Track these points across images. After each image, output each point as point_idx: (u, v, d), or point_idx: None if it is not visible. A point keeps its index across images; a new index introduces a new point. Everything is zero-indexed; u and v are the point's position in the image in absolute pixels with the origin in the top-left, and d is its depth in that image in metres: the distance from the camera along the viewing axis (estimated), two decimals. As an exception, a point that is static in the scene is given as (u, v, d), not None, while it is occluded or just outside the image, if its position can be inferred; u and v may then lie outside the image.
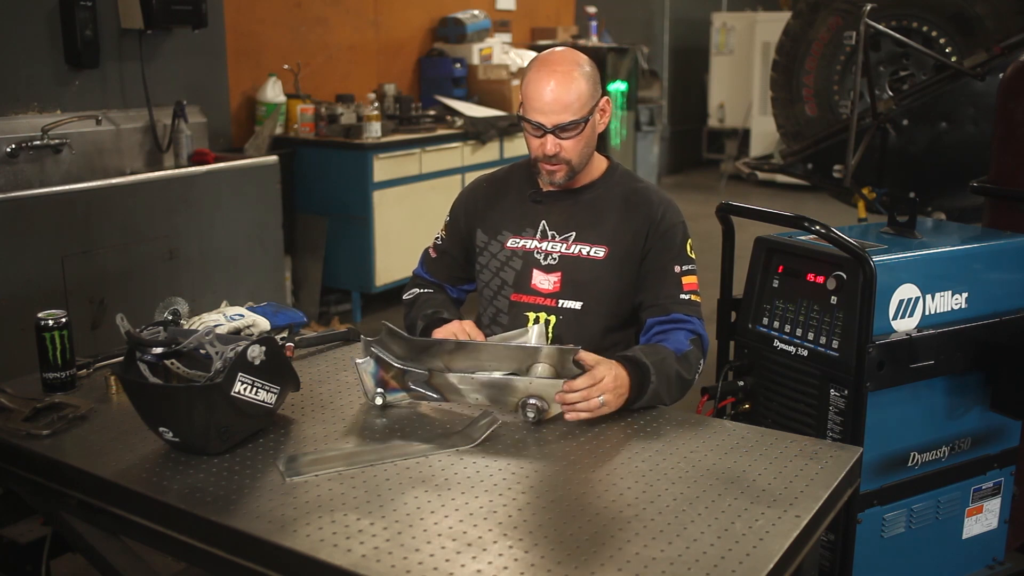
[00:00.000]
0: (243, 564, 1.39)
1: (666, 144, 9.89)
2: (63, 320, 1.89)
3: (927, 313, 2.18)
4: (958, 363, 2.22)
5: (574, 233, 2.09)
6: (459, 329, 2.01)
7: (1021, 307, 2.32)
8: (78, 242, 3.46)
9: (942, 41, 3.85)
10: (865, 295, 2.05)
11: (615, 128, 7.72)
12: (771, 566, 1.28)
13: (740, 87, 9.75)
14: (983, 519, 2.40)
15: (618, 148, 7.71)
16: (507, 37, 6.95)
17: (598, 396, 1.74)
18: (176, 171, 4.04)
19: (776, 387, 2.27)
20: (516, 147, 5.81)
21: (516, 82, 6.08)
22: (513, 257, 2.12)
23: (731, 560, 1.29)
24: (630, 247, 2.07)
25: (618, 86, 7.72)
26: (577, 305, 2.06)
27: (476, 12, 6.51)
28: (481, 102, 6.07)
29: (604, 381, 1.75)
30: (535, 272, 2.09)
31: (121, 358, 1.77)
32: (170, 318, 1.84)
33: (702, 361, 2.00)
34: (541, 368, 1.80)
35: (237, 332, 1.92)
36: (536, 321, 2.07)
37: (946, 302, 2.21)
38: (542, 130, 1.98)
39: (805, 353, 2.19)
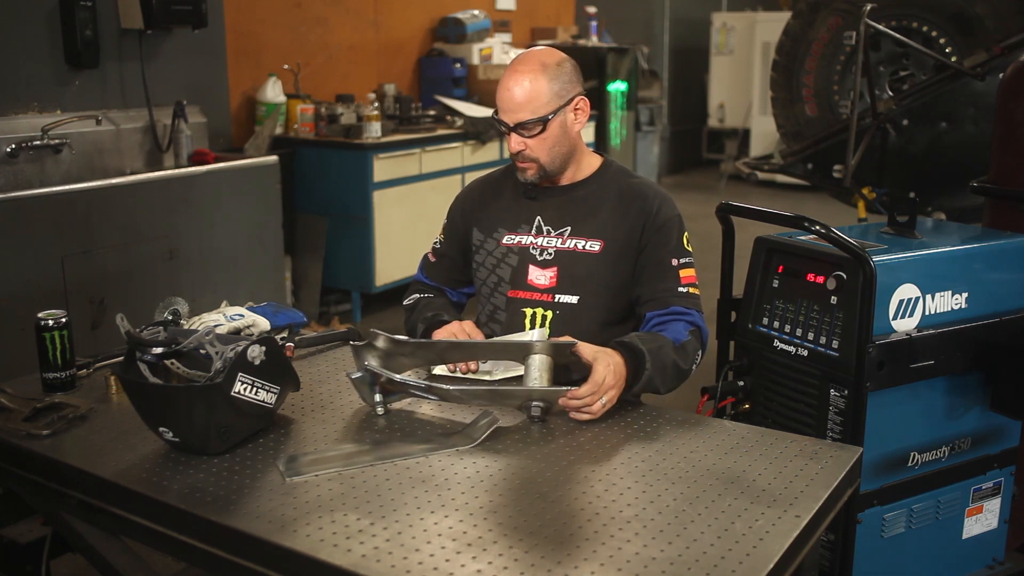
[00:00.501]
0: (243, 564, 1.39)
1: (666, 144, 9.89)
2: (63, 320, 1.89)
3: (927, 313, 2.18)
4: (958, 363, 2.22)
5: (569, 228, 2.10)
6: (458, 329, 2.02)
7: (1021, 307, 2.32)
8: (78, 242, 3.46)
9: (942, 41, 3.85)
10: (865, 295, 2.05)
11: (615, 128, 7.72)
12: (771, 566, 1.28)
13: (740, 87, 9.76)
14: (983, 519, 2.40)
15: (618, 148, 7.71)
16: (507, 37, 6.95)
17: (601, 399, 1.76)
18: (176, 171, 4.04)
19: (776, 387, 2.27)
20: (516, 147, 5.81)
21: (516, 82, 6.07)
22: (509, 253, 2.13)
23: (731, 560, 1.29)
24: (626, 241, 2.08)
25: (618, 86, 7.72)
26: (574, 299, 2.07)
27: (476, 12, 6.51)
28: (481, 102, 6.07)
29: (606, 381, 1.76)
30: (531, 268, 2.10)
31: (121, 358, 1.77)
32: (170, 318, 1.84)
33: (700, 352, 2.00)
34: (539, 360, 1.80)
35: (237, 332, 1.92)
36: (533, 320, 2.07)
37: (946, 302, 2.21)
38: (506, 128, 2.03)
39: (805, 353, 2.19)
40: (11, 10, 3.77)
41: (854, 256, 2.06)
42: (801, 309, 2.21)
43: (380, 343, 1.84)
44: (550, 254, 2.09)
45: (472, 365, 1.97)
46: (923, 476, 2.26)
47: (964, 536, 2.38)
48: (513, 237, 2.13)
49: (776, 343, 2.25)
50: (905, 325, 2.15)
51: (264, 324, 2.00)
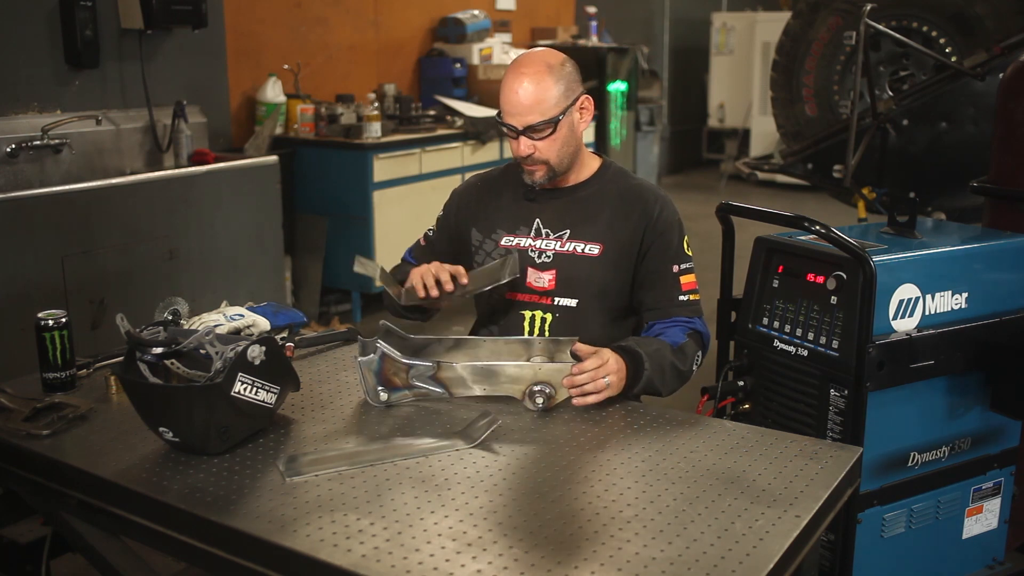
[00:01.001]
0: (243, 564, 1.39)
1: (666, 144, 9.89)
2: (63, 320, 1.89)
3: (927, 313, 2.18)
4: (958, 363, 2.22)
5: (568, 231, 2.10)
6: (436, 266, 2.00)
7: (1021, 307, 2.32)
8: (78, 242, 3.46)
9: (942, 41, 3.85)
10: (865, 295, 2.05)
11: (615, 128, 7.72)
12: (771, 566, 1.28)
13: (740, 87, 9.75)
14: (983, 519, 2.40)
15: (618, 148, 7.71)
16: (507, 37, 6.95)
17: (604, 377, 1.79)
18: (176, 171, 4.04)
19: (776, 387, 2.27)
20: (516, 147, 5.81)
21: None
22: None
23: (731, 560, 1.29)
24: (626, 244, 2.08)
25: (618, 86, 7.72)
26: (572, 302, 2.07)
27: (476, 12, 6.51)
28: (481, 102, 6.07)
29: (610, 362, 1.80)
30: (530, 270, 2.10)
31: (121, 358, 1.77)
32: (170, 318, 1.84)
33: (700, 354, 2.02)
34: (540, 359, 1.82)
35: (237, 332, 1.92)
36: (532, 323, 2.08)
37: (946, 302, 2.21)
38: (515, 132, 2.01)
39: (805, 353, 2.19)
40: (11, 10, 3.77)
41: (854, 256, 2.06)
42: (801, 309, 2.21)
43: (388, 338, 1.84)
44: (549, 256, 2.09)
45: (447, 287, 1.95)
46: (923, 476, 2.26)
47: (964, 536, 2.38)
48: (512, 239, 2.13)
49: (776, 343, 2.25)
50: (905, 325, 2.15)
51: (264, 324, 2.00)
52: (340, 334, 2.26)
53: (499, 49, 6.49)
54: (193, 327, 1.84)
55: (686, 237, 2.11)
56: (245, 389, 1.61)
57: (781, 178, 8.09)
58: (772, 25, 8.36)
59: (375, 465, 1.57)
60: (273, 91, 5.04)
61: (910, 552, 2.28)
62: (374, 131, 5.00)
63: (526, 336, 2.03)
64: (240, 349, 1.61)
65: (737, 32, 9.84)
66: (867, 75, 3.74)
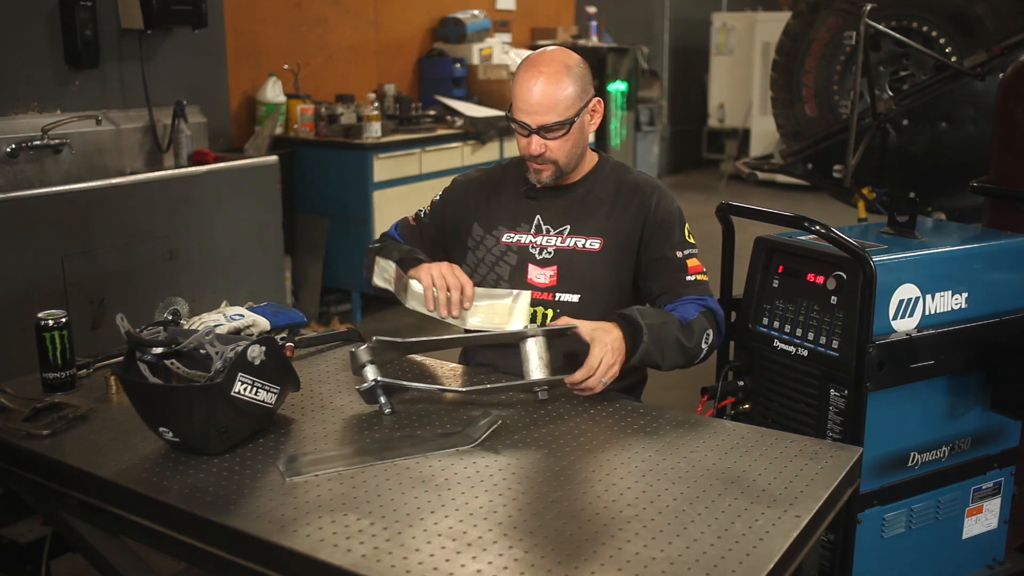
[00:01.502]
0: (243, 564, 1.39)
1: (666, 144, 9.89)
2: (63, 320, 1.89)
3: (927, 313, 2.18)
4: (958, 363, 2.22)
5: (569, 226, 2.11)
6: (448, 271, 1.99)
7: (1021, 307, 2.32)
8: (78, 242, 3.46)
9: (942, 41, 3.85)
10: (865, 295, 2.05)
11: (615, 128, 7.73)
12: (771, 566, 1.28)
13: (740, 87, 9.75)
14: (983, 519, 2.40)
15: (618, 148, 7.71)
16: (507, 37, 6.95)
17: (600, 381, 1.80)
18: (176, 171, 4.04)
19: (776, 387, 2.27)
20: (516, 147, 5.82)
21: (516, 82, 6.08)
22: (508, 252, 2.13)
23: (731, 560, 1.29)
24: (626, 237, 2.09)
25: (618, 86, 7.72)
26: (574, 298, 2.08)
27: (476, 12, 6.51)
28: (481, 102, 6.07)
29: (601, 364, 1.79)
30: (531, 267, 2.11)
31: (121, 358, 1.77)
32: (170, 318, 1.84)
33: (711, 333, 1.99)
34: (533, 344, 1.83)
35: (237, 332, 1.92)
36: (533, 319, 2.07)
37: (946, 302, 2.21)
38: (527, 130, 2.00)
39: (805, 353, 2.19)
40: (11, 10, 3.77)
41: (854, 256, 2.06)
42: (801, 309, 2.21)
43: (376, 347, 1.83)
44: (550, 253, 2.10)
45: (455, 311, 1.98)
46: (923, 476, 2.26)
47: (964, 536, 2.38)
48: (512, 236, 2.13)
49: (776, 343, 2.25)
50: (905, 325, 2.15)
51: (264, 324, 2.00)
52: (340, 334, 2.26)
53: (499, 49, 6.49)
54: (193, 327, 1.84)
55: (687, 225, 2.12)
56: (245, 389, 1.61)
57: (781, 178, 8.09)
58: (772, 25, 8.35)
59: (375, 465, 1.57)
60: (273, 91, 5.04)
61: (910, 552, 2.28)
62: (374, 131, 5.00)
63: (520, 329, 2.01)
64: (240, 349, 1.61)
65: (737, 32, 9.83)
66: (867, 75, 3.73)
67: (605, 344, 1.80)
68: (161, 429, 1.61)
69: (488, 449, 1.64)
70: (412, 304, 2.03)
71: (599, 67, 7.50)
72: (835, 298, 2.13)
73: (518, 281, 2.11)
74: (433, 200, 2.27)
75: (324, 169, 5.05)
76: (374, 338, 1.85)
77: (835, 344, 2.12)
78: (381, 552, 1.31)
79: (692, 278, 2.05)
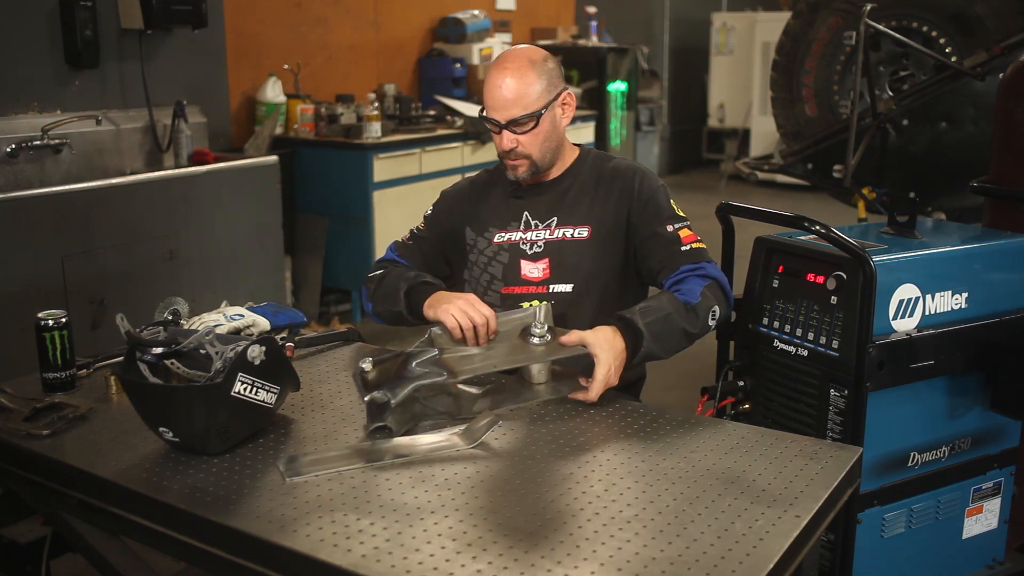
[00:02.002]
0: (243, 564, 1.39)
1: (666, 144, 9.89)
2: (63, 320, 1.89)
3: (927, 313, 2.18)
4: (958, 363, 2.22)
5: (556, 218, 2.13)
6: (468, 307, 1.89)
7: (1021, 307, 2.32)
8: (78, 242, 3.46)
9: (942, 41, 3.85)
10: (865, 295, 2.05)
11: (615, 128, 7.72)
12: (771, 566, 1.28)
13: (740, 87, 9.75)
14: (983, 519, 2.40)
15: (618, 148, 7.71)
16: (507, 37, 6.95)
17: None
18: (176, 171, 4.04)
19: (776, 387, 2.27)
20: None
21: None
22: (500, 251, 2.15)
23: (731, 560, 1.29)
24: (613, 223, 2.11)
25: (618, 86, 7.72)
26: (568, 288, 2.09)
27: (476, 12, 6.51)
28: (481, 102, 6.07)
29: (608, 381, 1.81)
30: (523, 262, 2.13)
31: (121, 358, 1.77)
32: (170, 318, 1.84)
33: (716, 309, 1.98)
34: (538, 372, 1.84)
35: (237, 332, 1.92)
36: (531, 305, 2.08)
37: (946, 302, 2.21)
38: (498, 126, 2.04)
39: (805, 353, 2.19)
40: (11, 10, 3.77)
41: (854, 256, 2.06)
42: (801, 309, 2.21)
43: (369, 367, 1.82)
44: (540, 246, 2.12)
45: (483, 343, 1.90)
46: (923, 476, 2.26)
47: (964, 536, 2.38)
48: (503, 235, 2.16)
49: (776, 343, 2.25)
50: (905, 325, 2.15)
51: (264, 324, 2.00)
52: (340, 334, 2.26)
53: (499, 49, 6.49)
54: (193, 327, 1.84)
55: (672, 200, 2.13)
56: (245, 389, 1.61)
57: (781, 178, 8.09)
58: (772, 25, 8.35)
59: (375, 465, 1.57)
60: (273, 91, 5.04)
61: (910, 552, 2.28)
62: (374, 131, 5.00)
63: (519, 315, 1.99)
64: (240, 349, 1.61)
65: (737, 32, 9.83)
66: (867, 75, 3.73)
67: (608, 365, 1.81)
68: (161, 429, 1.61)
69: (488, 449, 1.64)
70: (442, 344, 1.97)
71: (599, 67, 7.50)
72: (835, 298, 2.13)
73: (512, 278, 2.13)
74: (425, 215, 2.28)
75: (324, 169, 5.05)
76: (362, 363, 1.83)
77: (835, 344, 2.12)
78: (381, 552, 1.31)
79: (687, 247, 2.05)
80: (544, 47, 7.58)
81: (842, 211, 4.68)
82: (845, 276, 2.10)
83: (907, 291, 2.14)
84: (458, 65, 6.22)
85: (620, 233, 2.11)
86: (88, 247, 3.49)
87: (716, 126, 10.20)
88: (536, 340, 1.83)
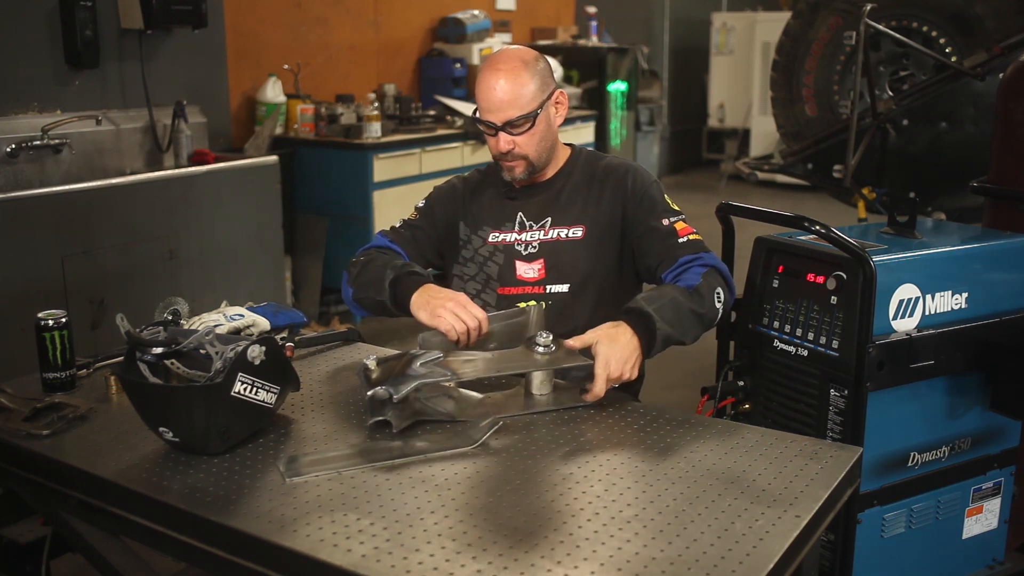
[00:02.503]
0: (243, 564, 1.39)
1: (666, 144, 9.89)
2: (63, 320, 1.89)
3: (927, 313, 2.18)
4: (958, 363, 2.22)
5: (550, 219, 2.14)
6: (460, 309, 1.89)
7: (1021, 307, 2.32)
8: (78, 242, 3.46)
9: (942, 41, 3.85)
10: (865, 295, 2.05)
11: (615, 128, 7.72)
12: (771, 566, 1.28)
13: (740, 87, 9.75)
14: (983, 519, 2.40)
15: (618, 148, 7.71)
16: (507, 37, 6.95)
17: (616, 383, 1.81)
18: (176, 171, 4.04)
19: (776, 387, 2.27)
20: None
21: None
22: (495, 252, 2.15)
23: (731, 560, 1.29)
24: (608, 221, 2.11)
25: (618, 86, 7.72)
26: (564, 288, 2.10)
27: (476, 12, 6.51)
28: (480, 103, 6.06)
29: (610, 376, 1.78)
30: (518, 263, 2.13)
31: (121, 358, 1.77)
32: (170, 318, 1.84)
33: (720, 290, 1.97)
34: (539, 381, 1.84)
35: (237, 332, 1.92)
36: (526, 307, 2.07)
37: (946, 302, 2.21)
38: (494, 128, 2.03)
39: (805, 353, 2.19)
40: (11, 10, 3.77)
41: (854, 256, 2.06)
42: (801, 309, 2.21)
43: (373, 364, 1.82)
44: (535, 247, 2.12)
45: (474, 342, 1.91)
46: (923, 476, 2.26)
47: (964, 536, 2.38)
48: (498, 235, 2.16)
49: (776, 343, 2.25)
50: (905, 325, 2.15)
51: (264, 324, 2.00)
52: (340, 334, 2.26)
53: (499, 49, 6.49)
54: (193, 327, 1.84)
55: (666, 195, 2.13)
56: (245, 389, 1.61)
57: (781, 178, 8.09)
58: (772, 25, 8.36)
59: (375, 465, 1.57)
60: (273, 91, 5.04)
61: (910, 552, 2.28)
62: (374, 131, 5.00)
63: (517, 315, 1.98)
64: (240, 349, 1.61)
65: (737, 32, 9.84)
66: (867, 75, 3.73)
67: (607, 359, 1.79)
68: (161, 429, 1.61)
69: (489, 449, 1.64)
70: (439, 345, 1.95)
71: (599, 67, 7.50)
72: (835, 298, 2.13)
73: (507, 278, 2.13)
74: (417, 206, 2.26)
75: (324, 169, 5.05)
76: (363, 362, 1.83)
77: (835, 344, 2.12)
78: (381, 552, 1.31)
79: (684, 239, 2.04)
80: (544, 47, 7.57)
81: (842, 211, 4.68)
82: (845, 276, 2.10)
83: (907, 291, 2.14)
84: (458, 65, 6.22)
85: (615, 231, 2.11)
86: (88, 247, 3.49)
87: (716, 126, 10.20)
88: (541, 350, 1.82)
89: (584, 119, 6.80)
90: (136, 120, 4.24)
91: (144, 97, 4.23)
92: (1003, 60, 3.58)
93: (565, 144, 2.21)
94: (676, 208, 2.11)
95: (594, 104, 7.30)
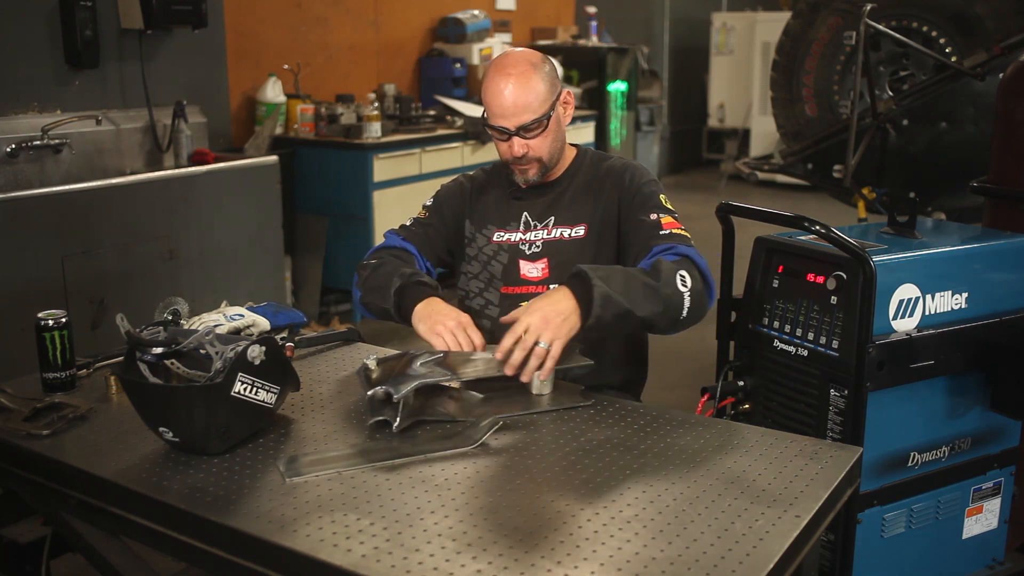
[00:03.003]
0: (243, 564, 1.39)
1: (666, 144, 9.89)
2: (63, 320, 1.89)
3: (927, 313, 2.18)
4: (958, 363, 2.22)
5: (553, 218, 2.14)
6: (458, 329, 1.90)
7: (1021, 307, 2.32)
8: (78, 242, 3.46)
9: (942, 41, 3.85)
10: (865, 295, 2.05)
11: (615, 128, 7.72)
12: (771, 566, 1.28)
13: (740, 87, 9.75)
14: (983, 519, 2.40)
15: (618, 148, 7.71)
16: (507, 37, 6.95)
17: (533, 342, 1.73)
18: (176, 171, 4.04)
19: (776, 387, 2.27)
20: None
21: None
22: (500, 251, 2.16)
23: (731, 560, 1.29)
24: (607, 220, 2.12)
25: (618, 86, 7.71)
26: None
27: (476, 12, 6.51)
28: (481, 102, 6.07)
29: (531, 327, 1.73)
30: (522, 263, 2.14)
31: (121, 358, 1.77)
32: (170, 318, 1.84)
33: (684, 273, 1.86)
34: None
35: (237, 332, 1.92)
36: None
37: (946, 302, 2.21)
38: (507, 133, 2.03)
39: (805, 353, 2.19)
40: (11, 10, 3.77)
41: (854, 256, 2.06)
42: (801, 309, 2.21)
43: (373, 364, 1.82)
44: (538, 247, 2.13)
45: (478, 344, 1.89)
46: (923, 476, 2.26)
47: (964, 536, 2.38)
48: (503, 234, 2.16)
49: (776, 343, 2.25)
50: (905, 325, 2.15)
51: (264, 324, 2.00)
52: (340, 334, 2.26)
53: (499, 49, 6.49)
54: (193, 327, 1.84)
55: (662, 195, 2.10)
56: (245, 389, 1.61)
57: (781, 178, 8.09)
58: (772, 25, 8.36)
59: (375, 465, 1.57)
60: (273, 91, 5.04)
61: (910, 552, 2.28)
62: (374, 131, 5.00)
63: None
64: (240, 349, 1.61)
65: (737, 32, 9.84)
66: (867, 75, 3.73)
67: (528, 310, 1.74)
68: (161, 429, 1.61)
69: (488, 449, 1.64)
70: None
71: (599, 67, 7.50)
72: (835, 298, 2.13)
73: (511, 278, 2.14)
74: (426, 205, 2.26)
75: (324, 169, 5.05)
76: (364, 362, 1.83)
77: (835, 344, 2.12)
78: (381, 552, 1.31)
79: (666, 232, 1.99)
80: (544, 47, 7.58)
81: (842, 211, 4.69)
82: (845, 276, 2.10)
83: (907, 291, 2.14)
84: (458, 65, 6.22)
85: (613, 229, 2.12)
86: (88, 247, 3.49)
87: (716, 126, 10.20)
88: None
89: (584, 119, 6.80)
90: (136, 120, 4.24)
91: (144, 97, 4.23)
92: (1003, 60, 3.58)
93: (570, 144, 2.22)
94: (669, 207, 2.09)
95: (594, 104, 7.30)
